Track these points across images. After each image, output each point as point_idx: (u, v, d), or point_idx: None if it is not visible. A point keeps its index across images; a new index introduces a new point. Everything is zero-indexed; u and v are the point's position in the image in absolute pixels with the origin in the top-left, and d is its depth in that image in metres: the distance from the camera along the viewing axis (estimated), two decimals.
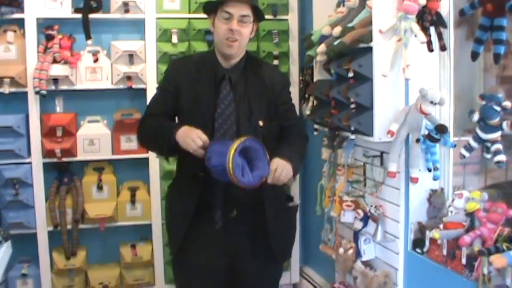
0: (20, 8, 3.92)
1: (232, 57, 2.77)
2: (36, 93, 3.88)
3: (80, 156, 4.13)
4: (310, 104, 3.83)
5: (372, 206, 3.18)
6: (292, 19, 4.40)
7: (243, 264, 2.83)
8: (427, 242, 2.81)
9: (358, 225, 3.22)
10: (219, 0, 2.68)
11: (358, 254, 3.28)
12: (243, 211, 2.77)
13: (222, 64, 2.80)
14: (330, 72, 3.43)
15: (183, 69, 2.84)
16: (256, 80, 2.81)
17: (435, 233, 2.65)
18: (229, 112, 2.73)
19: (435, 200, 2.89)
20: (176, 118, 2.88)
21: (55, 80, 4.00)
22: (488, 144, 2.49)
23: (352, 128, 3.05)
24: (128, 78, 4.11)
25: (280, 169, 2.57)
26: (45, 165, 4.07)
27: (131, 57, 4.10)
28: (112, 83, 4.14)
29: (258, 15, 2.77)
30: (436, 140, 2.77)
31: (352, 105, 3.07)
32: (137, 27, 4.24)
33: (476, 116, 2.50)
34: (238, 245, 2.81)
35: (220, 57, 2.80)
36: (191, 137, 2.54)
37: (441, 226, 2.69)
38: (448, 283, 2.65)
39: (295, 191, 4.53)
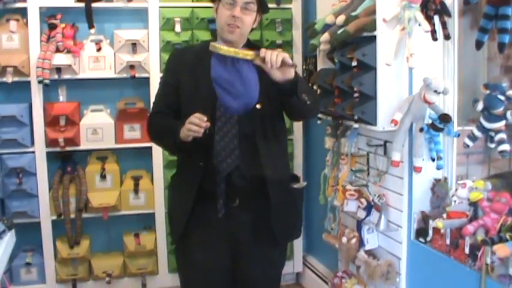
0: None
1: (233, 45, 2.72)
2: (39, 82, 3.88)
3: (83, 146, 4.13)
4: None
5: (375, 195, 3.18)
6: (296, 8, 4.39)
7: (246, 252, 2.81)
8: (430, 232, 2.81)
9: (362, 214, 3.22)
10: None
11: (361, 243, 3.28)
12: (246, 199, 2.75)
13: (235, 45, 2.74)
14: (333, 61, 3.43)
15: (183, 59, 2.84)
16: (255, 65, 2.74)
17: (438, 223, 2.65)
18: None
19: (438, 189, 2.89)
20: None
21: (58, 69, 4.01)
22: (492, 134, 2.49)
23: (356, 117, 3.05)
24: (131, 67, 4.10)
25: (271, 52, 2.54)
26: (48, 154, 4.08)
27: (134, 46, 4.10)
28: (115, 72, 4.14)
29: (263, 6, 2.75)
30: (440, 130, 2.77)
31: (356, 94, 3.06)
32: (140, 16, 4.23)
33: (480, 106, 2.49)
34: (241, 233, 2.79)
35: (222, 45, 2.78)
36: (188, 126, 2.52)
37: (444, 215, 2.69)
38: (451, 272, 2.65)
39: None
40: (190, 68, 2.76)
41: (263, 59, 2.48)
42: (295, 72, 2.57)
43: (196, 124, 2.49)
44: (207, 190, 2.74)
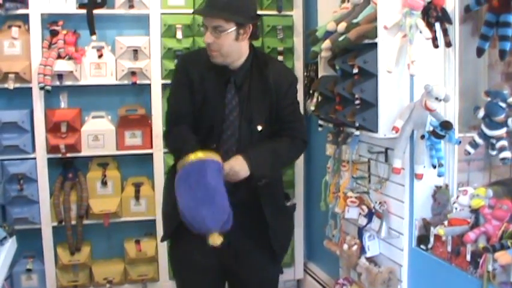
0: (24, 3, 3.92)
1: (226, 64, 2.75)
2: (41, 88, 3.88)
3: (85, 152, 4.13)
4: (314, 100, 3.82)
5: (376, 202, 3.18)
6: (297, 15, 4.40)
7: (240, 263, 2.81)
8: (432, 239, 2.81)
9: (363, 221, 3.22)
10: (193, 13, 2.70)
11: (362, 250, 3.28)
12: (238, 209, 2.64)
13: (228, 65, 2.77)
14: (334, 68, 3.42)
15: (194, 64, 2.83)
16: (260, 80, 2.78)
17: (440, 230, 2.65)
18: (233, 117, 2.74)
19: (440, 196, 2.89)
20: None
21: (59, 76, 4.00)
22: (493, 141, 2.48)
23: (357, 124, 3.05)
24: (133, 73, 4.10)
25: (230, 170, 2.59)
26: (49, 160, 4.08)
27: (136, 52, 4.10)
28: (116, 79, 4.14)
29: (239, 21, 2.66)
30: (441, 137, 2.77)
31: (357, 101, 3.06)
32: (142, 22, 4.24)
33: (481, 113, 2.49)
34: (234, 242, 2.73)
35: None
36: None
37: (446, 223, 2.68)
38: (452, 280, 2.64)
39: (299, 187, 4.54)
40: (201, 77, 2.76)
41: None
42: (246, 163, 2.64)
43: None
44: None
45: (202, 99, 2.75)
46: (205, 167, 2.49)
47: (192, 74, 2.79)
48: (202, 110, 2.76)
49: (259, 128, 2.74)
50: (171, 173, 2.95)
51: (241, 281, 2.91)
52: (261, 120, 2.76)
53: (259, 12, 4.20)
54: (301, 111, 3.04)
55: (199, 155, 2.50)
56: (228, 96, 2.75)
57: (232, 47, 2.69)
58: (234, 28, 2.64)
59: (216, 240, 2.45)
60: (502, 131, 2.45)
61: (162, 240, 3.03)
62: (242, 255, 2.83)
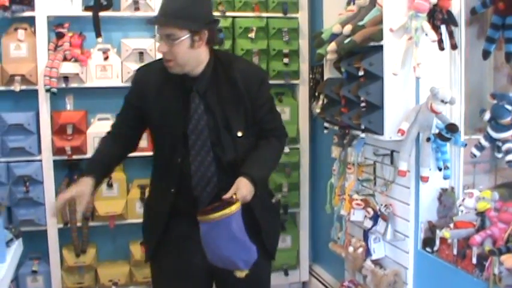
0: (30, 6, 3.94)
1: (185, 72, 2.63)
2: (47, 90, 3.89)
3: (90, 154, 4.10)
4: (320, 102, 3.83)
5: (381, 205, 3.18)
6: (303, 17, 4.40)
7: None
8: (437, 241, 2.81)
9: (368, 223, 3.21)
10: (147, 21, 2.67)
11: (367, 252, 3.28)
12: None
13: (188, 73, 2.64)
14: (340, 71, 3.43)
15: (148, 78, 2.73)
16: (229, 85, 2.66)
17: (445, 232, 2.64)
18: (202, 126, 2.63)
19: (445, 199, 2.88)
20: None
21: (65, 78, 4.02)
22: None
23: (363, 127, 3.05)
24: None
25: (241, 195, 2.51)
26: (55, 162, 4.09)
27: (141, 55, 4.11)
28: (122, 81, 4.15)
29: (192, 28, 2.53)
30: (447, 139, 2.76)
31: (363, 104, 3.06)
32: (147, 25, 4.23)
33: (487, 115, 2.49)
34: None
35: None
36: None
37: (451, 225, 2.68)
38: (458, 283, 2.64)
39: (305, 189, 4.54)
40: (157, 91, 2.66)
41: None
42: (251, 184, 2.56)
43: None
44: (183, 208, 2.70)
45: (160, 115, 2.66)
46: (231, 221, 2.42)
47: (146, 89, 2.69)
48: (162, 126, 2.68)
49: (239, 134, 2.65)
50: (149, 197, 2.98)
51: (230, 282, 2.75)
52: (240, 125, 2.66)
53: (265, 14, 4.26)
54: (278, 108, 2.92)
55: (225, 212, 2.41)
56: (192, 106, 2.63)
57: (188, 55, 2.56)
58: (188, 36, 2.51)
59: (243, 274, 2.48)
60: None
61: (146, 261, 2.97)
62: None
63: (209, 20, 2.63)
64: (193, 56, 2.58)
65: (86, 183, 2.54)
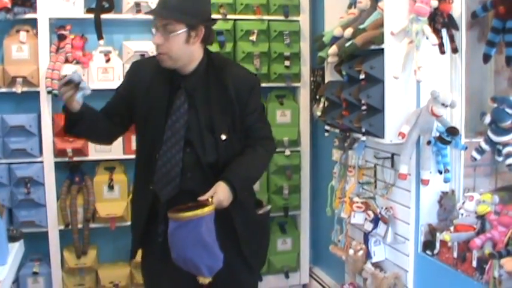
0: (32, 8, 3.94)
1: (177, 67, 2.64)
2: (49, 92, 3.90)
3: (91, 156, 4.15)
4: (321, 105, 3.83)
5: (382, 208, 3.18)
6: (304, 20, 4.41)
7: (219, 276, 2.56)
8: (438, 244, 2.81)
9: (369, 226, 3.22)
10: (146, 12, 2.65)
11: (368, 255, 3.28)
12: None
13: (179, 70, 2.66)
14: (341, 74, 3.43)
15: (141, 72, 2.75)
16: (219, 87, 2.66)
17: (446, 236, 2.65)
18: (180, 125, 2.63)
19: (446, 202, 2.89)
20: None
21: None
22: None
23: (363, 130, 3.05)
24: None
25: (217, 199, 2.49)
26: (56, 164, 4.09)
27: (143, 57, 4.10)
28: None
29: (188, 21, 2.54)
30: (447, 142, 2.77)
31: (363, 107, 3.07)
32: (149, 27, 4.25)
33: (487, 119, 2.49)
34: None
35: None
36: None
37: (452, 228, 2.69)
38: (458, 286, 2.64)
39: (305, 192, 4.55)
40: (146, 86, 2.67)
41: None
42: (230, 190, 2.55)
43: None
44: (155, 214, 2.70)
45: (145, 109, 2.67)
46: (201, 224, 2.39)
47: (138, 82, 2.71)
48: (146, 120, 2.69)
49: (223, 137, 2.63)
50: (133, 196, 2.95)
51: None
52: (224, 129, 2.64)
53: (266, 17, 4.27)
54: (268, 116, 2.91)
55: (197, 212, 2.39)
56: (176, 103, 2.63)
57: (183, 50, 2.57)
58: (184, 30, 2.52)
59: (205, 281, 2.47)
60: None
61: (130, 259, 2.99)
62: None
63: (207, 17, 2.64)
64: (187, 51, 2.59)
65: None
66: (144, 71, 2.75)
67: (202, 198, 2.47)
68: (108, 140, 2.97)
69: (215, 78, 2.68)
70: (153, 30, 2.64)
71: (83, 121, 2.64)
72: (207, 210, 2.41)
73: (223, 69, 2.70)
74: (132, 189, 2.99)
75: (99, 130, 2.80)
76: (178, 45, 2.55)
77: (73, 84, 2.49)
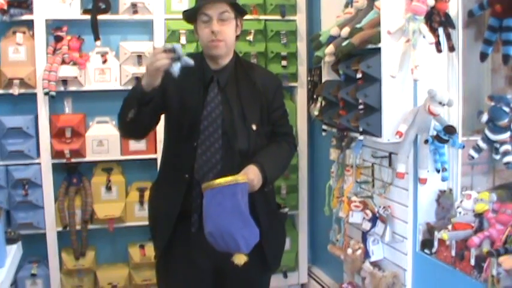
0: (29, 9, 3.94)
1: (220, 58, 2.72)
2: (45, 94, 3.90)
3: (89, 157, 4.14)
4: (318, 104, 3.83)
5: (380, 207, 3.18)
6: (300, 20, 4.41)
7: (233, 271, 2.56)
8: (436, 243, 2.81)
9: (367, 225, 3.22)
10: (196, 6, 2.66)
11: (366, 254, 3.28)
12: None
13: (210, 66, 2.76)
14: (338, 73, 3.43)
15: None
16: (248, 82, 2.77)
17: (444, 234, 2.65)
18: (216, 115, 2.69)
19: (444, 200, 2.89)
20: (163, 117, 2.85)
21: (64, 81, 4.02)
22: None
23: (361, 129, 3.05)
24: (137, 79, 4.11)
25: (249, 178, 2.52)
26: (54, 165, 4.09)
27: (140, 58, 4.11)
28: (121, 84, 4.16)
29: (238, 10, 2.73)
30: (445, 141, 2.77)
31: (361, 106, 3.07)
32: (146, 28, 4.26)
33: (485, 117, 2.49)
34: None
35: (208, 59, 2.76)
36: (150, 61, 2.48)
37: (450, 227, 2.69)
38: (456, 284, 2.65)
39: (303, 191, 4.55)
40: (178, 83, 2.66)
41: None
42: (261, 173, 2.59)
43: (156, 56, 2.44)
44: (188, 205, 2.71)
45: (180, 103, 2.72)
46: (237, 191, 2.41)
47: (167, 80, 2.63)
48: (180, 111, 2.72)
49: (254, 127, 2.71)
50: (157, 186, 2.95)
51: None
52: (255, 119, 2.73)
53: (263, 17, 4.31)
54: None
55: (234, 178, 2.42)
56: (210, 95, 2.72)
57: (232, 39, 2.72)
58: (234, 18, 2.68)
59: (242, 260, 2.40)
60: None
61: (155, 257, 2.92)
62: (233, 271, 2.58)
63: (243, 10, 2.79)
64: (234, 41, 2.74)
65: None
66: None
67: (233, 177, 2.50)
68: (148, 132, 2.91)
69: (243, 74, 2.79)
70: (204, 22, 2.64)
71: (151, 105, 2.61)
72: (241, 179, 2.45)
73: (252, 69, 2.85)
74: (154, 187, 2.96)
75: (152, 119, 2.79)
76: (231, 33, 2.69)
77: (172, 54, 2.44)
